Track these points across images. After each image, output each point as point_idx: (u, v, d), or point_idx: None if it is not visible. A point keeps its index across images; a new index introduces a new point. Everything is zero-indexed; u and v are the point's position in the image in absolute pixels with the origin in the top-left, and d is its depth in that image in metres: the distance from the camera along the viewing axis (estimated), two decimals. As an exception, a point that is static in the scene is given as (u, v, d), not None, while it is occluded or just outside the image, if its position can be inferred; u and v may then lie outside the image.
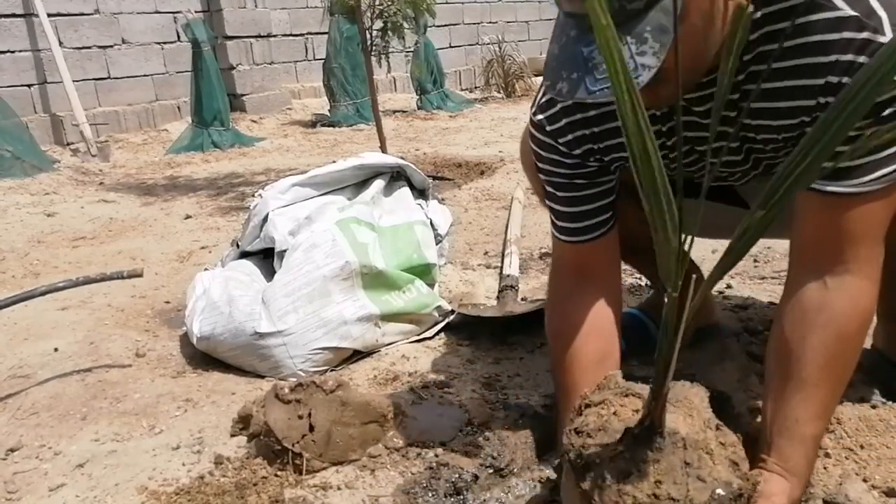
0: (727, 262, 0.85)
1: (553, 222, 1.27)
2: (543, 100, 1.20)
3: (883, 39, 0.92)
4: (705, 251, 2.19)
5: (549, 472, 1.23)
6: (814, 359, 1.05)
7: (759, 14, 0.98)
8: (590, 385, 1.15)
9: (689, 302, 0.89)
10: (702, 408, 0.99)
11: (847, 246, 1.02)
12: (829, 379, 1.04)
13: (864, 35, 0.93)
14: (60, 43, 5.17)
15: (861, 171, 0.98)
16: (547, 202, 1.27)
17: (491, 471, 1.24)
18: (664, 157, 1.17)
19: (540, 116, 1.19)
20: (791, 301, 1.08)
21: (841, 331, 1.04)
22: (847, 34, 0.93)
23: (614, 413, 0.95)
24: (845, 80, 0.94)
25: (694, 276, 0.88)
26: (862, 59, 0.93)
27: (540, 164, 1.24)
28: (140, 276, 1.78)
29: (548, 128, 1.19)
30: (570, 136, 1.17)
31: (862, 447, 1.18)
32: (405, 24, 3.94)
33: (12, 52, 5.02)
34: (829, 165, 0.79)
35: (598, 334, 1.21)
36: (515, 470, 1.25)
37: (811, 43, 0.96)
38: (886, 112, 0.94)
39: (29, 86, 5.12)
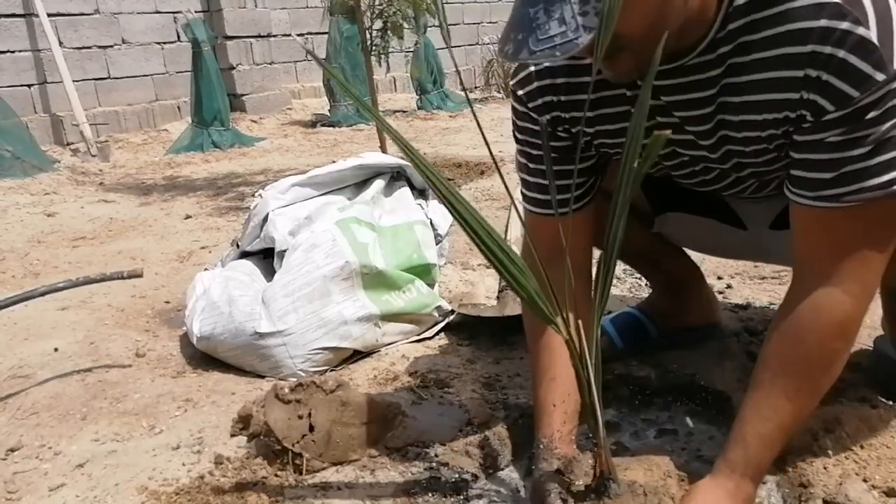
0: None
1: (523, 193, 1.25)
2: (515, 66, 1.19)
3: (863, 32, 0.87)
4: (705, 251, 2.20)
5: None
6: (769, 364, 1.05)
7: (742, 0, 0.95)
8: (560, 370, 1.14)
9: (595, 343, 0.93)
10: (662, 463, 1.10)
11: (831, 259, 0.99)
12: (781, 385, 1.03)
13: (844, 25, 0.87)
14: (60, 43, 5.17)
15: (844, 182, 0.94)
16: (519, 174, 1.26)
17: (491, 471, 1.24)
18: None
19: (513, 81, 1.19)
20: (778, 308, 1.08)
21: (799, 340, 1.02)
22: (825, 22, 0.88)
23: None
24: (825, 76, 0.90)
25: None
26: (841, 53, 0.88)
27: (517, 135, 1.23)
28: (140, 276, 1.78)
29: (519, 92, 1.18)
30: (539, 101, 1.16)
31: (862, 447, 1.18)
32: (405, 24, 3.94)
33: (12, 52, 5.02)
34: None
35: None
36: (515, 470, 1.25)
37: (791, 31, 0.92)
38: (870, 115, 0.90)
39: (29, 86, 5.12)
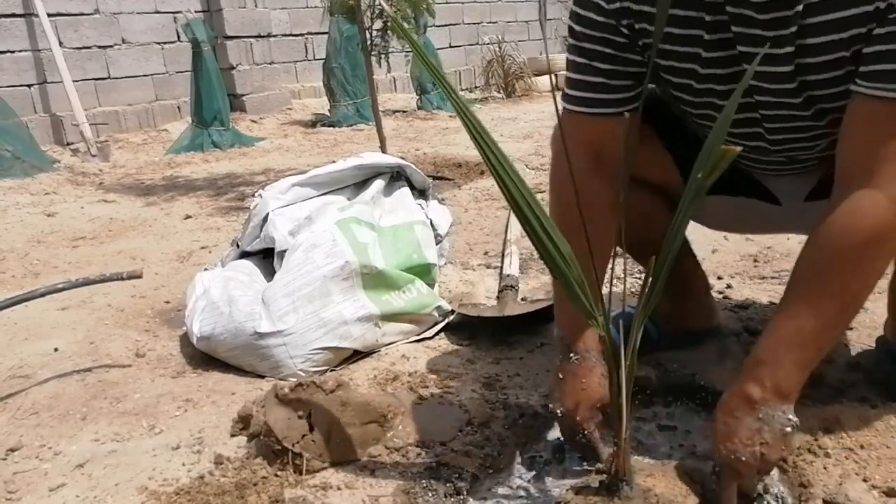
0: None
1: (567, 94, 1.20)
2: None
3: None
4: (706, 251, 2.20)
5: (549, 472, 1.23)
6: (799, 272, 1.03)
7: None
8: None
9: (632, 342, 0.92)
10: (686, 485, 1.08)
11: (882, 159, 0.96)
12: (811, 293, 1.00)
13: None
14: (60, 43, 5.17)
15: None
16: (576, 76, 1.19)
17: (491, 471, 1.24)
18: (697, 57, 1.09)
19: None
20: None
21: (832, 245, 0.99)
22: None
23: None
24: None
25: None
26: None
27: (575, 27, 1.17)
28: (139, 277, 1.78)
29: None
30: None
31: (862, 447, 1.18)
32: (405, 24, 3.94)
33: (12, 52, 5.02)
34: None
35: (601, 221, 1.13)
36: (515, 470, 1.25)
37: None
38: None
39: (29, 86, 5.12)
